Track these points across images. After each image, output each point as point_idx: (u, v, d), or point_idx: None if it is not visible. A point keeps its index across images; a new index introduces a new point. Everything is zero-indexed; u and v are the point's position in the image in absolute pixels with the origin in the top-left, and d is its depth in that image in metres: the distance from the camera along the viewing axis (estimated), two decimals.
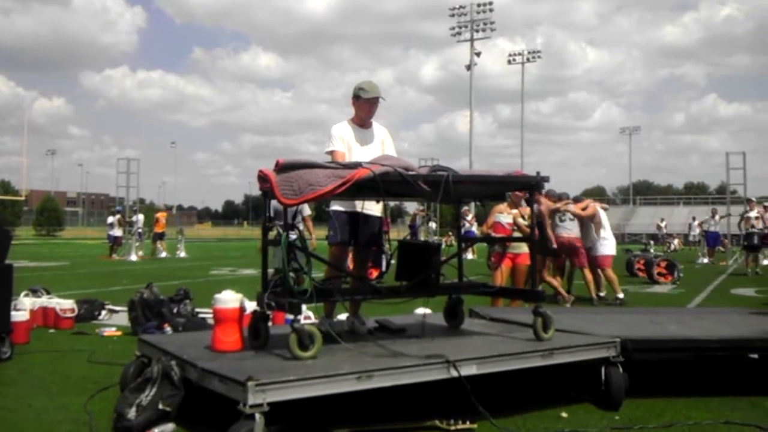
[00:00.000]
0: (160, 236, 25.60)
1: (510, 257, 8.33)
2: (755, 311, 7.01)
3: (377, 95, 5.39)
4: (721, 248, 25.83)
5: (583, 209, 11.00)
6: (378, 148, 5.48)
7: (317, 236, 10.98)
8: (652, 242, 30.16)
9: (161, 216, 26.21)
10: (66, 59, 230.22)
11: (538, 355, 4.46)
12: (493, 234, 8.37)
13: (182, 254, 26.04)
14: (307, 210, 9.93)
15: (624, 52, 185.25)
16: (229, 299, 4.46)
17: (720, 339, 5.15)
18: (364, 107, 5.44)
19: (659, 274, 14.81)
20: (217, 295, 4.49)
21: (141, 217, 25.36)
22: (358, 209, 5.35)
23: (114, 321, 8.32)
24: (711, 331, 5.53)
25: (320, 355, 4.07)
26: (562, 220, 10.75)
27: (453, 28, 52.73)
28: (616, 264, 12.24)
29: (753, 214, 18.23)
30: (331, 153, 5.30)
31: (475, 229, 23.33)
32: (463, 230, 20.92)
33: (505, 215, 8.36)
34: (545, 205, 10.70)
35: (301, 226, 9.80)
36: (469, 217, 24.47)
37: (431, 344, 4.60)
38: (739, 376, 5.44)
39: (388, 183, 4.31)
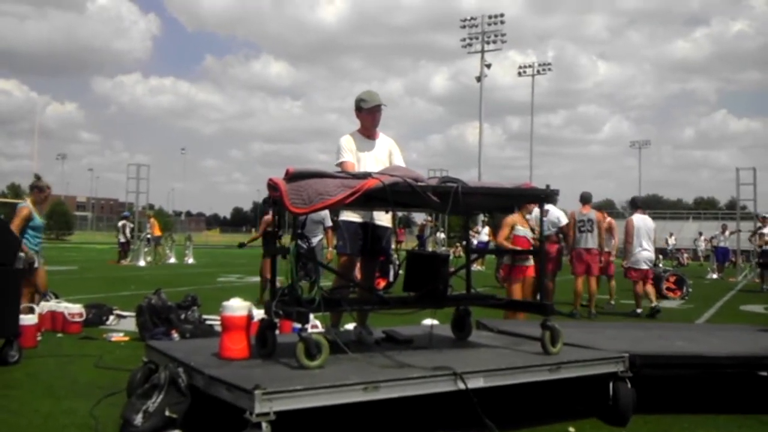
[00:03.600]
0: (157, 240, 25.65)
1: (522, 270, 8.28)
2: (765, 328, 6.96)
3: (378, 103, 5.40)
4: (732, 260, 25.72)
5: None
6: (386, 158, 5.49)
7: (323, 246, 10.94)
8: (661, 257, 30.05)
9: (153, 220, 26.30)
10: (79, 65, 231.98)
11: (546, 369, 4.44)
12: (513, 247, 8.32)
13: (190, 260, 26.10)
14: (329, 221, 9.95)
15: (635, 67, 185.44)
16: (237, 307, 4.46)
17: (729, 356, 5.12)
18: (368, 117, 5.46)
19: (668, 289, 14.73)
20: (225, 303, 4.50)
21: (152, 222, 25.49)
22: (368, 220, 5.35)
23: (122, 326, 8.33)
24: (720, 347, 5.50)
25: (327, 364, 4.06)
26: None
27: (464, 40, 52.77)
28: (624, 279, 12.24)
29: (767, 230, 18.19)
30: (341, 164, 5.30)
31: (485, 238, 23.24)
32: (475, 241, 21.05)
33: (525, 228, 8.30)
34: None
35: (320, 236, 9.84)
36: (486, 229, 24.30)
37: (438, 356, 4.59)
38: (748, 393, 5.41)
39: (397, 193, 4.31)
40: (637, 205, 12.13)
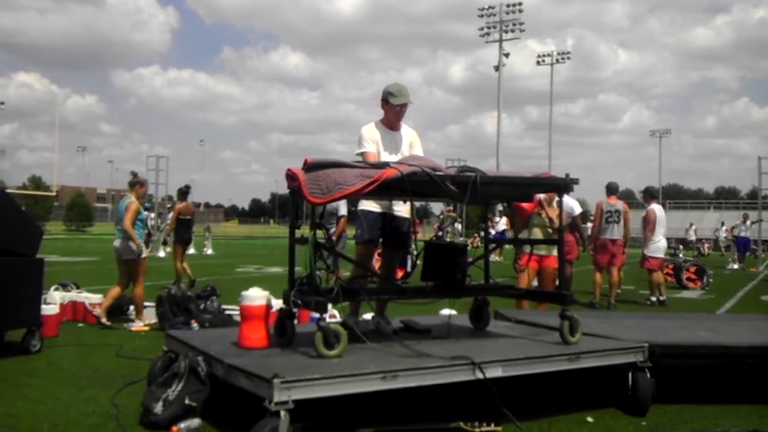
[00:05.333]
0: None
1: (536, 259, 8.21)
2: None
3: (406, 102, 5.35)
4: (754, 250, 25.47)
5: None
6: (406, 150, 5.46)
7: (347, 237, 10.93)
8: (681, 247, 29.83)
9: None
10: (99, 58, 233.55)
11: (565, 359, 4.43)
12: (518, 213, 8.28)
13: (209, 251, 26.23)
14: (342, 210, 9.92)
15: (655, 55, 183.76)
16: (256, 296, 4.48)
17: (750, 346, 5.08)
18: (392, 111, 5.41)
19: (688, 279, 14.64)
20: (245, 293, 4.52)
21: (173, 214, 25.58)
22: (386, 209, 5.34)
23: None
24: (740, 337, 5.45)
25: (345, 354, 4.07)
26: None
27: (482, 29, 52.49)
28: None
29: None
30: (363, 155, 5.27)
31: (502, 227, 23.15)
32: (493, 231, 20.97)
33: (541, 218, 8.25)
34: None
35: (334, 226, 9.83)
36: (503, 219, 24.19)
37: (456, 345, 4.59)
38: None
39: (415, 183, 4.30)
40: (653, 195, 12.14)
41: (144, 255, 8.16)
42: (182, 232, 12.57)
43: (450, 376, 3.99)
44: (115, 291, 8.00)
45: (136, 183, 8.63)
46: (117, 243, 8.13)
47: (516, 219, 8.48)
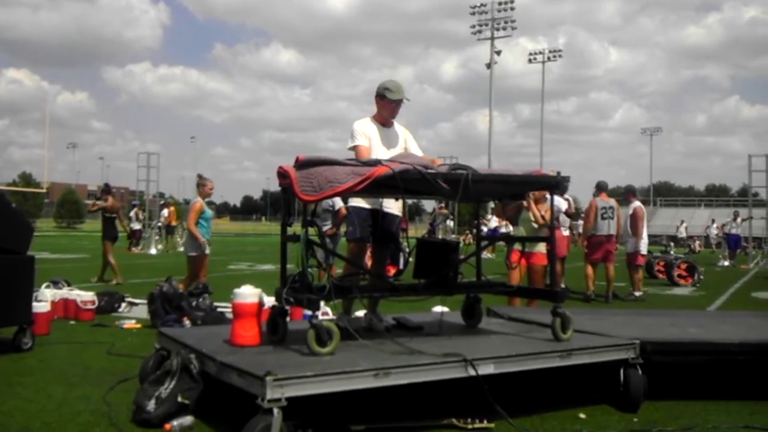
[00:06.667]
0: (171, 229, 25.71)
1: (524, 256, 8.20)
2: None
3: (402, 97, 5.36)
4: (744, 247, 25.62)
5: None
6: (400, 146, 5.46)
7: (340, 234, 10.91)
8: (672, 244, 29.93)
9: (173, 209, 26.48)
10: (90, 54, 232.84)
11: (557, 356, 4.44)
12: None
13: None
14: (339, 203, 9.92)
15: (647, 53, 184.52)
16: (248, 294, 4.48)
17: (740, 342, 5.10)
18: (388, 107, 5.41)
19: (679, 276, 14.72)
20: (237, 290, 4.51)
21: (166, 211, 25.54)
22: (378, 206, 5.34)
23: (133, 314, 8.39)
24: (731, 334, 5.48)
25: (338, 351, 4.07)
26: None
27: (474, 27, 52.49)
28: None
29: None
30: (355, 148, 5.28)
31: (494, 224, 23.16)
32: (485, 229, 20.97)
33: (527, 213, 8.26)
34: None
35: (329, 223, 9.87)
36: (494, 217, 24.20)
37: (449, 343, 4.60)
38: (760, 380, 5.38)
39: (407, 181, 4.30)
40: (635, 193, 12.51)
41: (207, 251, 8.71)
42: (110, 229, 12.97)
43: (442, 373, 3.99)
44: (181, 286, 8.06)
45: (201, 185, 9.04)
46: (183, 239, 8.53)
47: (505, 207, 8.46)
